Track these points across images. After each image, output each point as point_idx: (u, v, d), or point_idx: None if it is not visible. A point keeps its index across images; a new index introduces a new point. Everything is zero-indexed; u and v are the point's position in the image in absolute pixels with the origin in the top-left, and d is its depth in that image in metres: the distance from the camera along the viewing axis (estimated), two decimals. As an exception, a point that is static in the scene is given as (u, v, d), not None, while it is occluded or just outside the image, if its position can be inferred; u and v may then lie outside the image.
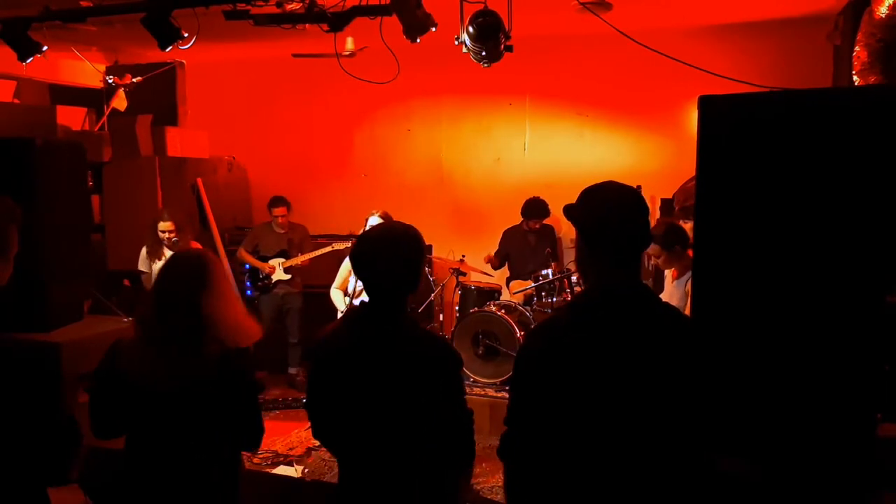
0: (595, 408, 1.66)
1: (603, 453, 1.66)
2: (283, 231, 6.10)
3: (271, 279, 6.00)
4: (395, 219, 4.59)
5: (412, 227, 2.08)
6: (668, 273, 4.13)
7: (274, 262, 6.02)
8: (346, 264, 5.03)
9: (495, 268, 6.25)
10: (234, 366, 2.15)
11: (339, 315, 4.85)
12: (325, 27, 3.81)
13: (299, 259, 6.01)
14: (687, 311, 3.59)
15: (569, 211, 1.83)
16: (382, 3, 3.71)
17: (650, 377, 1.65)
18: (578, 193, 1.84)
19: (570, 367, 1.67)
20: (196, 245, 5.28)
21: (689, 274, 3.75)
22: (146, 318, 2.19)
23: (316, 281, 6.32)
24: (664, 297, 3.82)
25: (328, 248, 5.92)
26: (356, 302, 4.79)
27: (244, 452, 2.45)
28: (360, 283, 2.14)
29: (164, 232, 5.10)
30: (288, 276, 6.03)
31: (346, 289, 5.00)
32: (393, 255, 1.99)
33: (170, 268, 2.24)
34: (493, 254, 6.22)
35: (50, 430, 1.86)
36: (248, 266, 6.14)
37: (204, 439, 2.17)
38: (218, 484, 2.22)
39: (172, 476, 2.17)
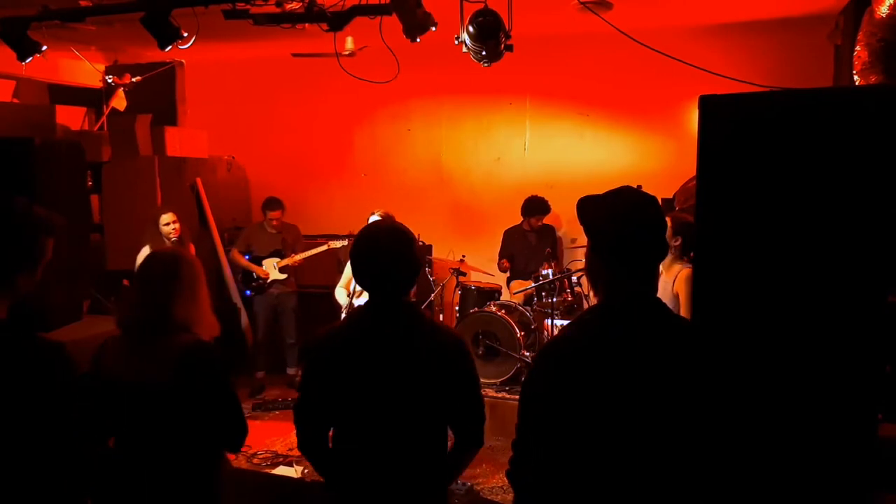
0: (611, 431, 1.60)
1: (620, 478, 1.60)
2: (275, 231, 6.10)
3: (267, 280, 6.00)
4: (395, 219, 4.62)
5: (400, 223, 2.12)
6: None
7: (268, 262, 6.02)
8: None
9: (504, 271, 6.25)
10: (198, 358, 2.14)
11: (343, 314, 4.86)
12: (325, 27, 3.81)
13: (294, 258, 6.01)
14: (681, 312, 3.56)
15: (582, 212, 1.73)
16: (382, 2, 3.71)
17: (669, 397, 1.60)
18: (579, 193, 1.80)
19: (583, 389, 1.60)
20: (191, 245, 5.28)
21: (677, 270, 3.68)
22: (123, 316, 2.24)
23: (312, 281, 6.33)
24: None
25: (324, 247, 5.93)
26: (356, 302, 4.78)
27: (236, 454, 2.45)
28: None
29: (167, 224, 5.08)
30: (284, 276, 6.04)
31: (350, 288, 5.00)
32: (391, 252, 1.98)
33: (144, 267, 2.28)
34: (503, 260, 6.22)
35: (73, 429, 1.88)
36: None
37: (176, 437, 2.16)
38: (194, 484, 2.20)
39: (147, 475, 2.17)
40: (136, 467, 2.18)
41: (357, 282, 2.05)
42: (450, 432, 2.11)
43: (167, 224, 5.07)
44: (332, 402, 2.01)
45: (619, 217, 1.67)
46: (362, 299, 4.42)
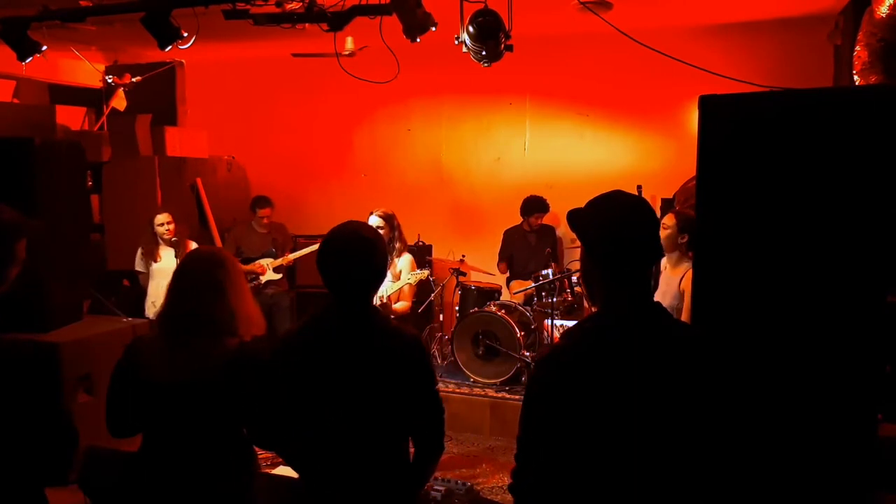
0: (612, 436, 1.59)
1: (621, 482, 1.59)
2: (265, 231, 6.09)
3: (261, 280, 5.98)
4: (396, 218, 4.62)
5: (369, 225, 2.14)
6: (664, 264, 3.88)
7: (263, 262, 6.01)
8: None
9: (503, 273, 6.26)
10: (245, 361, 2.15)
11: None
12: (325, 27, 3.81)
13: (288, 258, 6.01)
14: (685, 311, 3.55)
15: (574, 221, 1.72)
16: (382, 2, 3.70)
17: (669, 400, 1.60)
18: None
19: (584, 394, 1.60)
20: (191, 243, 5.27)
21: (685, 268, 3.65)
22: (164, 315, 2.22)
23: (308, 280, 6.32)
24: (658, 292, 3.75)
25: (317, 246, 5.91)
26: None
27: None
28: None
29: (161, 225, 5.08)
30: (278, 276, 6.03)
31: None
32: (357, 254, 2.00)
33: (186, 265, 2.26)
34: (501, 264, 6.24)
35: (48, 431, 1.86)
36: None
37: (219, 434, 2.17)
38: (232, 480, 2.21)
39: (187, 472, 2.17)
40: (174, 466, 2.17)
41: (325, 279, 2.05)
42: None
43: (161, 224, 5.09)
44: (291, 405, 2.00)
45: (612, 220, 1.65)
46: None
